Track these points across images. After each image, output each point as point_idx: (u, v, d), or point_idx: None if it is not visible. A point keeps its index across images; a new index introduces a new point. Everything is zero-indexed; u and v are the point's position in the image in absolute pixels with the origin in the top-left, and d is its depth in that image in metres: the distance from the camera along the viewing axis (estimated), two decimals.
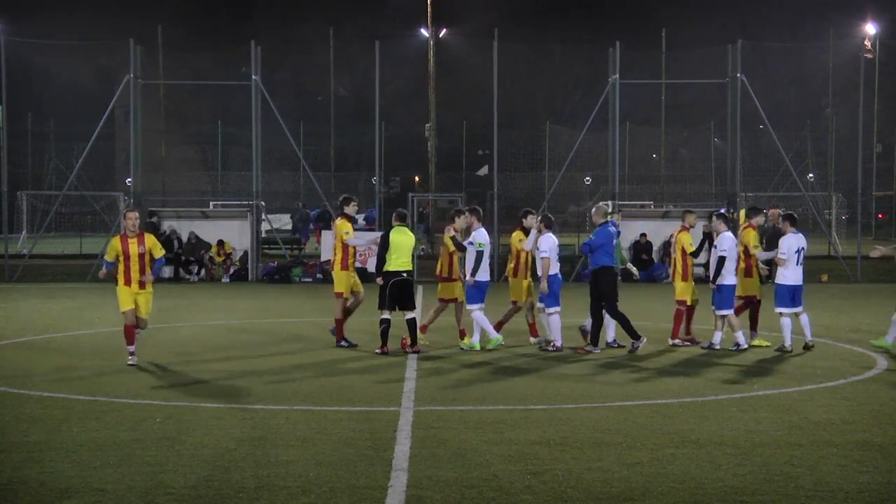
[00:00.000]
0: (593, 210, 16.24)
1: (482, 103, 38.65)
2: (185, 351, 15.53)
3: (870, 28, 45.52)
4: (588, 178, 55.01)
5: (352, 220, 16.34)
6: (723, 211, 17.09)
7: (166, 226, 31.59)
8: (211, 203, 37.48)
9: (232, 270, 30.92)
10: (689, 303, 16.07)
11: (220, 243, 31.16)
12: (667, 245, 31.48)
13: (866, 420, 10.38)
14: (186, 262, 31.07)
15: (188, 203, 38.46)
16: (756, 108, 31.91)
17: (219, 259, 31.03)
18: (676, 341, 16.02)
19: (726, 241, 15.59)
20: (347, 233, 15.89)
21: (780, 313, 15.46)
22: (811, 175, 49.78)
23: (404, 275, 15.34)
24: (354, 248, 16.12)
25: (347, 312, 16.17)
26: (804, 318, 15.49)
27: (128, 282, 14.05)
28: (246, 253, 31.26)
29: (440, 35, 50.37)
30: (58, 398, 11.54)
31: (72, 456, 8.89)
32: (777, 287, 15.53)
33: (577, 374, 13.42)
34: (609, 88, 31.98)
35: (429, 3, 47.31)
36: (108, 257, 14.32)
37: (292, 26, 65.31)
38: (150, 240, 14.17)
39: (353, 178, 57.26)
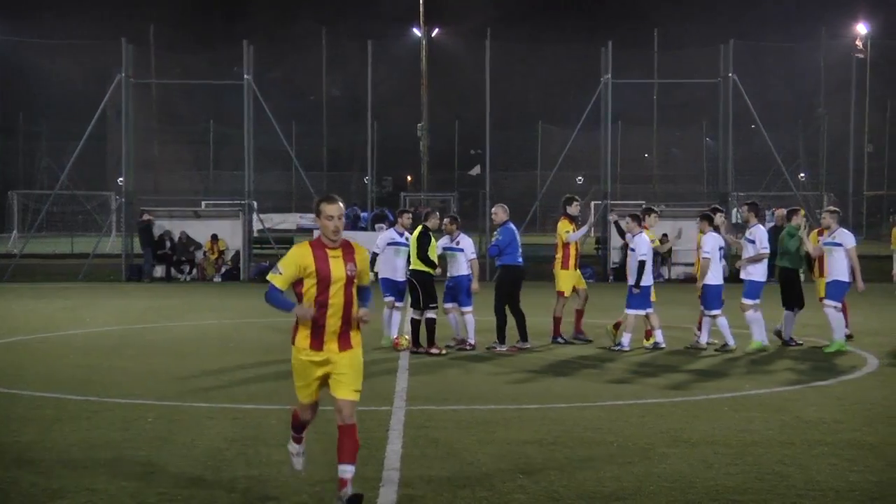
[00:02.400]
0: (494, 209, 16.29)
1: (475, 103, 38.67)
2: (177, 350, 15.50)
3: (861, 28, 45.64)
4: (580, 178, 55.11)
5: (574, 220, 16.40)
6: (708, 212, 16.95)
7: (158, 225, 31.50)
8: (203, 202, 37.46)
9: (223, 270, 30.88)
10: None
11: (214, 238, 31.10)
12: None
13: (857, 419, 10.41)
14: (178, 261, 31.03)
15: (180, 203, 38.41)
16: (748, 107, 31.99)
17: (212, 256, 30.99)
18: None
19: (642, 244, 15.43)
20: (568, 232, 15.98)
21: (713, 315, 15.39)
22: (803, 174, 49.91)
23: (408, 274, 15.40)
24: (577, 248, 16.22)
25: (580, 313, 16.36)
26: (723, 321, 15.44)
27: (316, 342, 7.40)
28: (238, 252, 31.23)
29: (433, 34, 50.44)
30: (49, 398, 11.51)
31: (63, 456, 8.87)
32: (708, 288, 15.38)
33: (569, 374, 13.43)
34: (601, 88, 32.02)
35: (421, 2, 47.29)
36: (281, 281, 7.37)
37: (284, 26, 65.22)
38: (361, 254, 7.63)
39: (345, 178, 57.34)
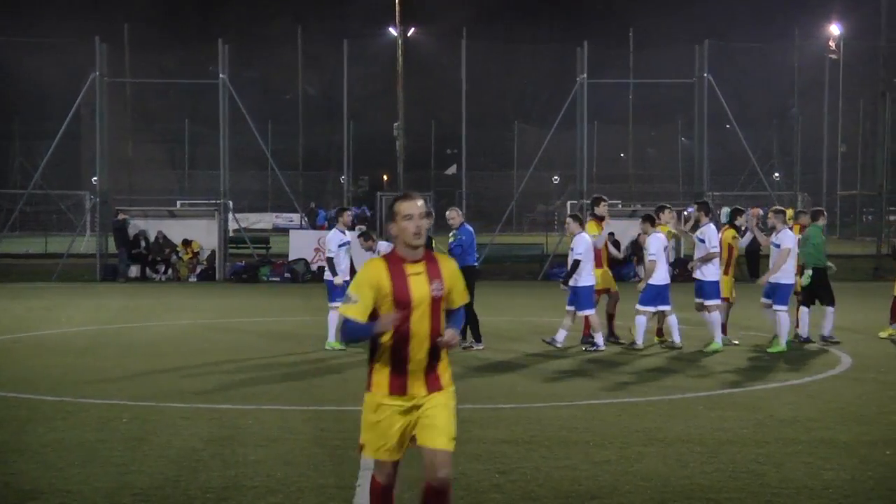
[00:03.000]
0: (449, 213, 16.36)
1: (451, 102, 38.68)
2: (153, 351, 15.43)
3: (834, 29, 45.92)
4: (556, 178, 55.24)
5: (601, 220, 16.52)
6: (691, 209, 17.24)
7: (133, 225, 31.33)
8: (178, 202, 37.30)
9: (199, 270, 30.76)
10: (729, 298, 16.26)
11: (186, 242, 30.97)
12: (635, 244, 31.65)
13: (831, 418, 10.48)
14: (153, 261, 30.88)
15: (155, 202, 38.24)
16: (723, 107, 32.15)
17: (186, 257, 30.85)
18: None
19: (582, 243, 15.46)
20: (595, 235, 16.03)
21: (638, 310, 15.54)
22: (777, 174, 50.22)
23: None
24: (606, 247, 16.37)
25: (610, 315, 16.41)
26: (672, 319, 15.58)
27: (398, 383, 6.06)
28: (213, 252, 31.11)
29: (409, 34, 50.36)
30: (23, 399, 11.44)
31: (37, 457, 8.81)
32: (651, 287, 15.47)
33: (546, 374, 13.45)
34: (577, 88, 32.09)
35: (397, 2, 47.26)
36: (359, 312, 5.93)
37: (260, 25, 65.08)
38: (449, 267, 6.13)
39: (321, 177, 57.19)
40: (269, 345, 16.16)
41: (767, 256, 17.02)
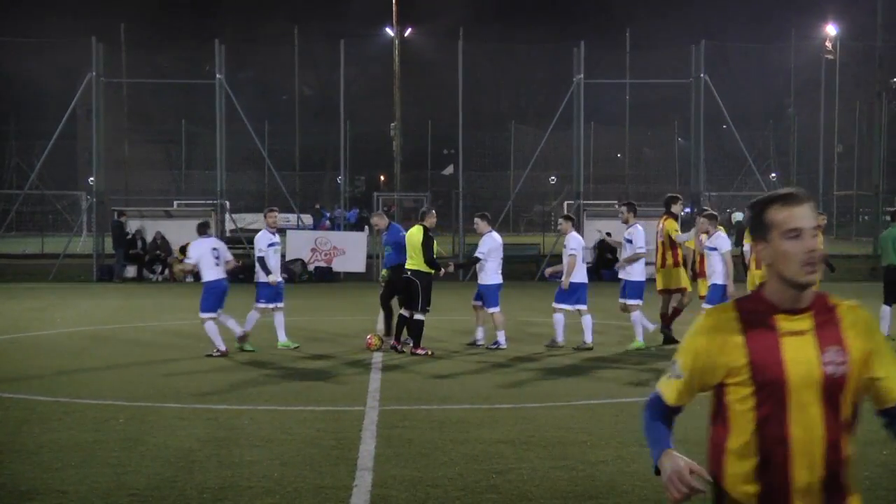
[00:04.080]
0: (373, 219, 16.65)
1: (447, 102, 38.63)
2: (149, 351, 15.42)
3: (830, 29, 45.98)
4: (553, 178, 55.25)
5: (677, 218, 16.78)
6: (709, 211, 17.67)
7: (131, 225, 31.29)
8: (175, 202, 37.28)
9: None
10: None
11: (183, 250, 30.87)
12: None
13: None
14: (150, 261, 30.84)
15: (152, 202, 38.22)
16: (719, 107, 32.18)
17: (181, 257, 30.76)
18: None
19: (485, 244, 15.72)
20: (676, 231, 16.29)
21: (556, 308, 15.71)
22: (774, 174, 50.26)
23: (408, 273, 15.26)
24: (681, 244, 16.47)
25: (676, 312, 16.49)
26: (587, 319, 15.69)
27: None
28: None
29: (405, 34, 50.38)
30: (18, 399, 11.42)
31: (33, 457, 8.80)
32: (572, 286, 15.65)
33: (542, 374, 13.45)
34: (574, 88, 32.10)
35: (394, 2, 47.27)
36: (675, 392, 4.10)
37: (256, 25, 65.01)
38: (861, 322, 3.66)
39: (318, 178, 57.20)
40: (264, 344, 16.12)
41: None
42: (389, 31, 49.95)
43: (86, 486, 7.93)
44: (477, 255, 15.71)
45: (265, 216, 16.29)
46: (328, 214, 40.72)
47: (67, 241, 33.78)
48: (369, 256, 31.44)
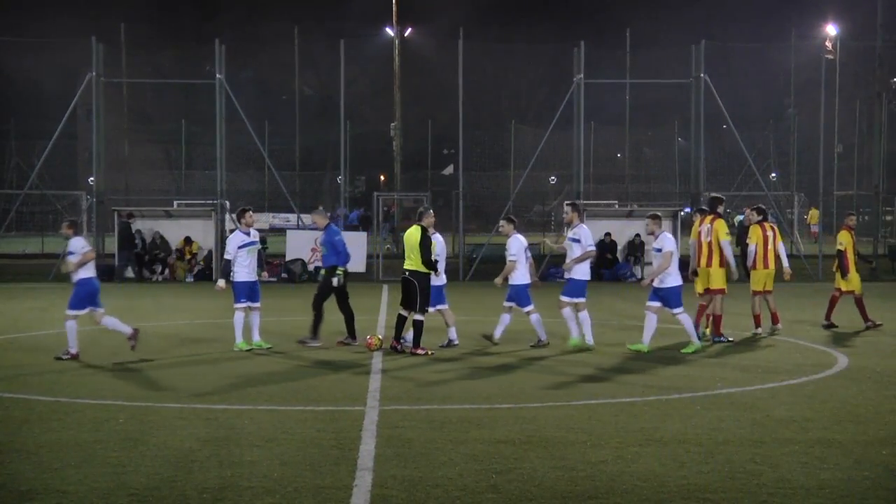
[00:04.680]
0: (313, 217, 16.86)
1: (447, 102, 38.66)
2: (148, 351, 15.40)
3: (830, 29, 45.93)
4: (553, 178, 55.21)
5: (725, 219, 17.10)
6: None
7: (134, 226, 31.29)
8: (175, 202, 37.24)
9: (196, 270, 30.72)
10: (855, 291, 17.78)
11: (188, 240, 30.94)
12: (632, 244, 31.69)
13: (827, 417, 10.49)
14: (151, 261, 30.84)
15: (152, 202, 38.20)
16: (719, 107, 32.17)
17: (187, 255, 30.76)
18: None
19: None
20: (727, 233, 16.56)
21: (505, 307, 15.89)
22: (774, 174, 50.21)
23: (406, 274, 15.25)
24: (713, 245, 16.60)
25: (717, 318, 16.60)
26: (535, 317, 15.82)
27: None
28: (210, 252, 31.07)
29: (405, 34, 50.34)
30: (18, 399, 11.42)
31: (33, 457, 8.80)
32: (515, 288, 15.80)
33: (542, 373, 13.44)
34: (574, 88, 32.10)
35: (394, 2, 47.25)
36: None
37: (256, 25, 64.99)
38: None
39: (318, 178, 57.15)
40: (275, 343, 16.12)
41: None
42: (389, 31, 49.90)
43: (86, 485, 7.93)
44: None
45: (240, 216, 16.17)
46: (330, 214, 40.80)
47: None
48: (369, 256, 31.45)
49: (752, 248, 17.53)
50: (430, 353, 14.90)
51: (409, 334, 15.17)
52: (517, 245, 15.76)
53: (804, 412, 10.72)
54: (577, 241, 15.59)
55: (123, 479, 8.13)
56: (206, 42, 34.74)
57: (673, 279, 15.18)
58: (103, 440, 9.40)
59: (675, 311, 15.17)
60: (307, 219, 41.91)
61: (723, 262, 16.47)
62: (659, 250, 15.33)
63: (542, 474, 8.27)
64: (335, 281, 15.92)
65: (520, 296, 15.75)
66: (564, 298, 15.58)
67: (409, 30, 52.00)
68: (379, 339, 15.46)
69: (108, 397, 11.50)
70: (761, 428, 9.96)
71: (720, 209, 16.96)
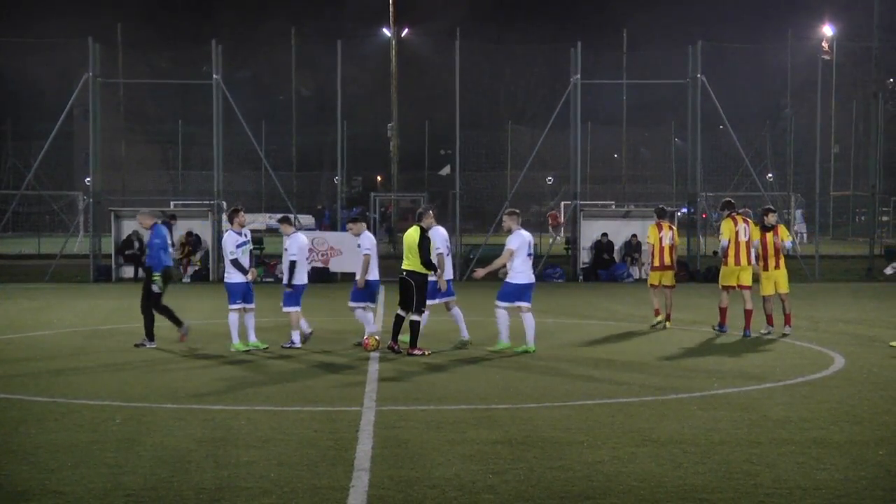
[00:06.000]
0: (140, 215, 16.72)
1: (444, 103, 38.65)
2: (145, 352, 15.41)
3: (827, 30, 46.07)
4: (550, 178, 55.27)
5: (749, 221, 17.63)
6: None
7: (127, 226, 31.24)
8: (171, 202, 37.25)
9: (192, 271, 30.69)
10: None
11: (190, 235, 30.85)
12: (629, 245, 31.70)
13: (824, 418, 10.49)
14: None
15: (148, 203, 38.19)
16: (716, 108, 32.20)
17: (186, 250, 30.66)
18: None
19: (293, 245, 15.83)
20: (788, 236, 17.40)
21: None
22: (770, 175, 50.28)
23: (404, 274, 15.23)
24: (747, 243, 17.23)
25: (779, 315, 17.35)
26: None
27: None
28: (207, 253, 31.06)
29: (402, 35, 50.39)
30: (14, 399, 11.41)
31: (29, 458, 8.79)
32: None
33: (539, 374, 13.44)
34: (571, 88, 32.11)
35: (391, 2, 47.25)
36: None
37: (253, 25, 65.06)
38: None
39: (314, 178, 57.16)
40: (274, 345, 16.11)
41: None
42: (386, 32, 49.95)
43: (82, 486, 7.92)
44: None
45: (232, 216, 16.10)
46: (329, 214, 40.80)
47: (64, 241, 33.75)
48: None
49: (724, 243, 17.55)
50: (427, 353, 14.90)
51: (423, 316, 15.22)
52: (369, 242, 16.01)
53: (801, 412, 10.73)
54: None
55: (120, 479, 8.12)
56: (202, 42, 34.75)
57: (522, 277, 15.28)
58: (100, 441, 9.40)
59: (499, 303, 15.38)
60: (304, 219, 41.92)
61: (777, 265, 17.22)
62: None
63: (538, 475, 8.27)
64: (155, 287, 15.91)
65: (370, 291, 15.98)
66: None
67: (406, 30, 52.09)
68: (376, 339, 15.46)
69: (105, 398, 11.49)
70: (758, 428, 9.96)
71: (766, 219, 17.42)
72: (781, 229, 17.49)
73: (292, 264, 15.67)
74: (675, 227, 18.85)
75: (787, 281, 17.41)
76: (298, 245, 15.87)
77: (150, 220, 16.27)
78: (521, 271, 15.38)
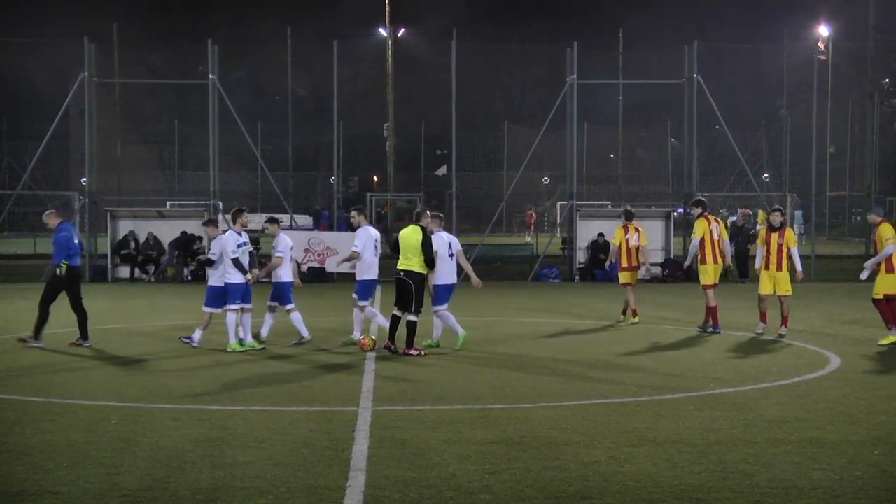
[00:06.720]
0: (45, 217, 16.73)
1: (440, 103, 38.71)
2: (141, 352, 15.40)
3: (823, 30, 46.07)
4: (546, 178, 55.29)
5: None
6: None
7: (123, 226, 31.21)
8: (168, 203, 37.21)
9: (187, 272, 30.64)
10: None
11: (184, 234, 30.81)
12: (595, 244, 31.69)
13: (819, 417, 10.50)
14: (143, 261, 30.79)
15: (144, 203, 38.17)
16: (712, 108, 32.23)
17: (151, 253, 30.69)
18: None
19: (216, 246, 16.12)
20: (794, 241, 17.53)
21: (289, 309, 16.37)
22: (766, 175, 50.32)
23: (401, 274, 15.20)
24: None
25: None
26: (295, 315, 16.31)
27: None
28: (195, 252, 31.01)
29: (398, 35, 50.38)
30: (10, 400, 11.39)
31: (24, 458, 8.78)
32: (278, 286, 16.44)
33: (535, 374, 13.44)
34: (567, 88, 32.13)
35: (387, 2, 47.25)
36: None
37: (249, 25, 64.94)
38: None
39: (311, 178, 57.11)
40: (272, 345, 16.11)
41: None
42: (382, 32, 49.95)
43: (78, 487, 7.91)
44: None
45: (236, 216, 16.27)
46: (327, 214, 40.77)
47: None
48: None
49: (695, 242, 17.72)
50: (422, 353, 14.90)
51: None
52: (283, 245, 16.38)
53: (797, 412, 10.74)
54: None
55: (116, 479, 8.11)
56: (198, 42, 34.67)
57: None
58: (96, 441, 9.39)
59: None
60: (300, 219, 41.88)
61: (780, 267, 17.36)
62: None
63: (535, 474, 8.28)
64: (57, 271, 15.90)
65: (284, 293, 16.29)
66: (361, 303, 16.04)
67: (402, 30, 52.08)
68: (372, 339, 15.45)
69: (101, 398, 11.48)
70: (754, 428, 9.97)
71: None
72: (789, 234, 17.32)
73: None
74: (641, 230, 19.36)
75: (789, 283, 17.32)
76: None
77: (55, 220, 16.39)
78: (444, 272, 15.56)
